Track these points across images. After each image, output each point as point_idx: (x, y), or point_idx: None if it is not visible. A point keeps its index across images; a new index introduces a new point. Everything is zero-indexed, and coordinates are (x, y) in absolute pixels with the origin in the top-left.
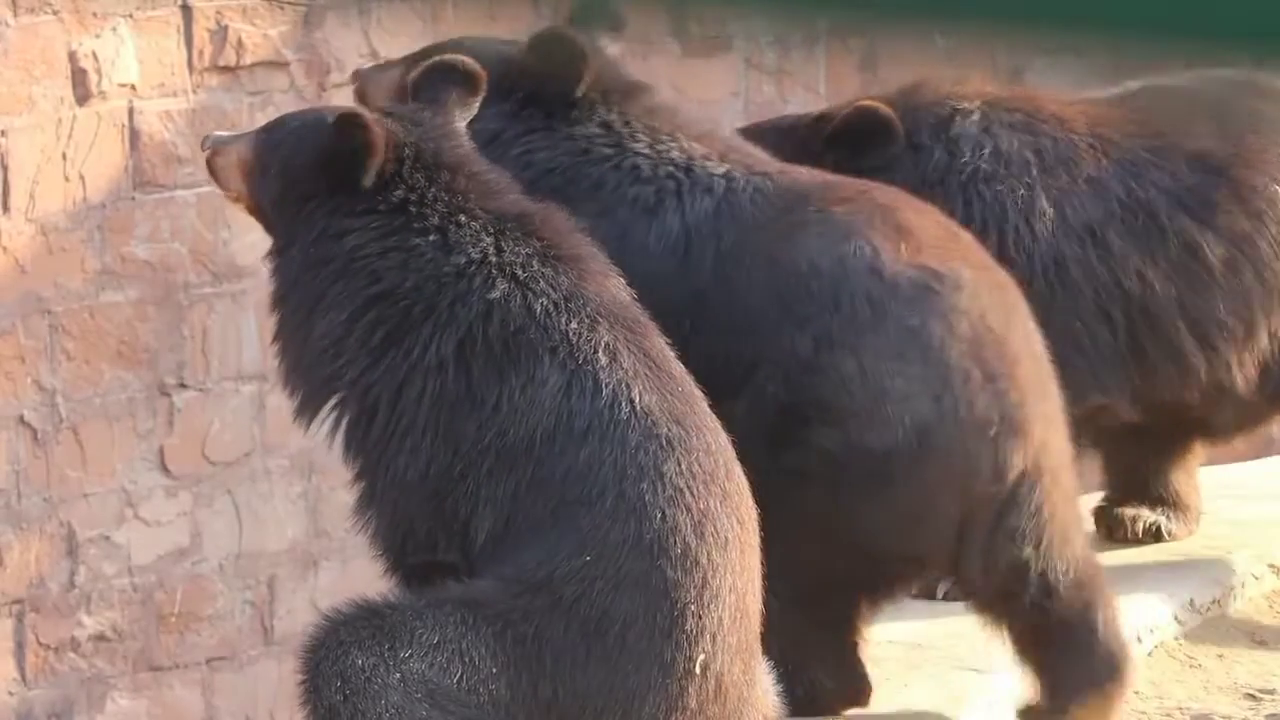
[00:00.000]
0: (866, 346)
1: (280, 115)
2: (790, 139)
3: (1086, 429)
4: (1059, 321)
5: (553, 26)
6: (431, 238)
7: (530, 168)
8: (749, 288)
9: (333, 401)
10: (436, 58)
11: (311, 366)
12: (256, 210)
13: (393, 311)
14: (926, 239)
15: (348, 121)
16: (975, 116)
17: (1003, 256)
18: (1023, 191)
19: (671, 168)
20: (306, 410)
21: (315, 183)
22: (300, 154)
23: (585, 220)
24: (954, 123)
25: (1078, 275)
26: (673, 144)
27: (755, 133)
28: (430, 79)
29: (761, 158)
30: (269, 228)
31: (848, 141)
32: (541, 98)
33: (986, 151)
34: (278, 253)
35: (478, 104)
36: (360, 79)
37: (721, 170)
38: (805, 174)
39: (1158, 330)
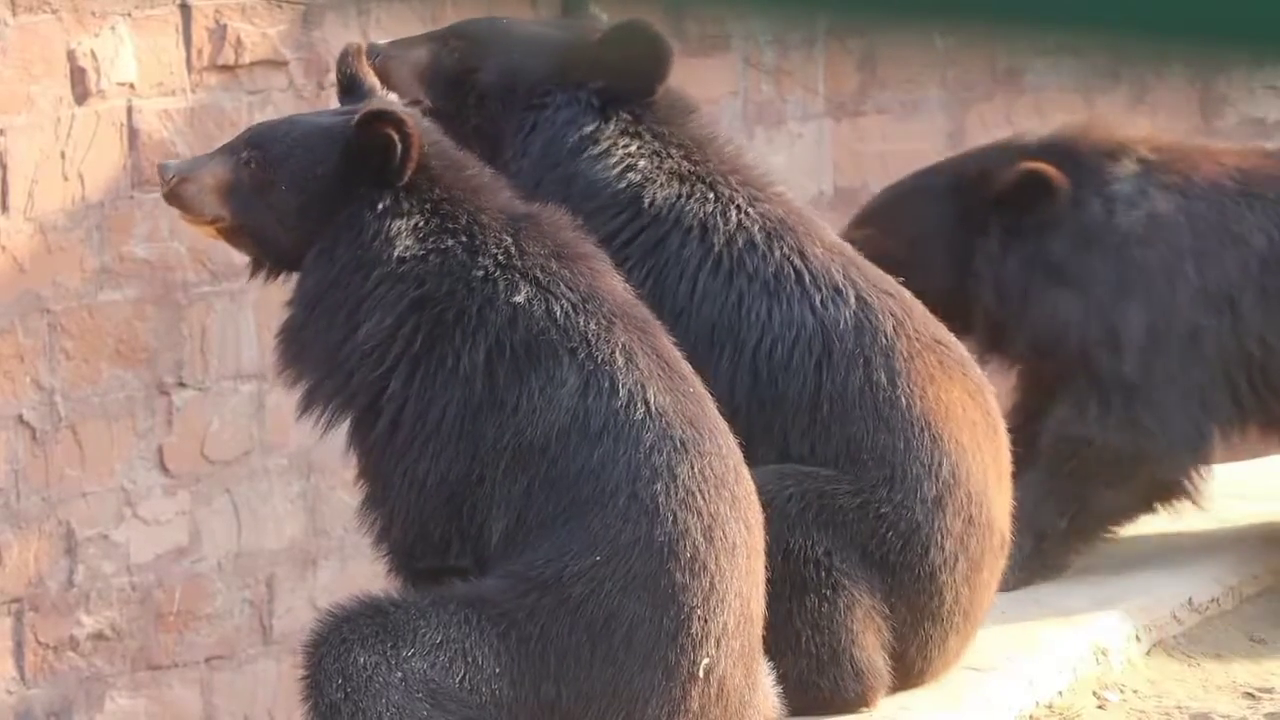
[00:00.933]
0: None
1: (255, 132)
2: (953, 201)
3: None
4: (1187, 382)
5: (633, 19)
6: (462, 238)
7: (631, 171)
8: (888, 435)
9: (364, 405)
10: (345, 47)
11: (352, 370)
12: (239, 230)
13: (430, 316)
14: (991, 456)
15: (376, 118)
16: (1132, 176)
17: (1149, 324)
18: (1171, 259)
19: (785, 248)
20: (327, 410)
21: (345, 187)
22: (319, 164)
23: (686, 252)
24: (1113, 179)
25: (1211, 348)
26: (764, 205)
27: (910, 194)
28: (352, 68)
29: (827, 237)
30: (259, 245)
31: (1014, 202)
32: (617, 94)
33: (1141, 213)
34: (316, 253)
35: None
36: (381, 57)
37: (839, 266)
38: (892, 292)
39: (1274, 388)
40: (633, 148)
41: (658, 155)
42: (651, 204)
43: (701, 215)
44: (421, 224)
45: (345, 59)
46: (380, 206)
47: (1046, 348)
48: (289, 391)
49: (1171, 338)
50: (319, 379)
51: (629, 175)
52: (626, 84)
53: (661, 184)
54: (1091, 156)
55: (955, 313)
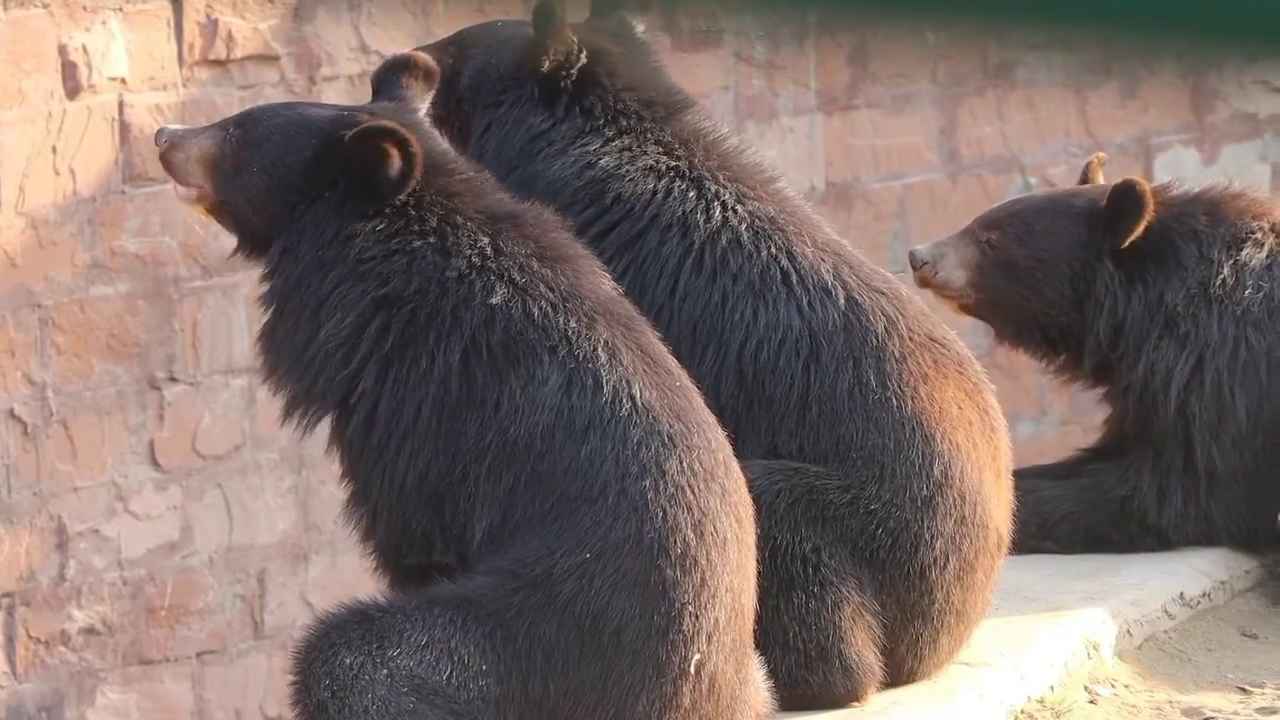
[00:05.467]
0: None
1: (248, 111)
2: (1086, 227)
3: None
4: (1269, 481)
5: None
6: (431, 240)
7: (590, 168)
8: (878, 435)
9: (336, 405)
10: (397, 55)
11: (319, 370)
12: (220, 206)
13: (398, 316)
14: (988, 455)
15: (378, 134)
16: (1264, 250)
17: (1251, 412)
18: (1278, 352)
19: (772, 247)
20: (305, 413)
21: (312, 185)
22: (291, 154)
23: (665, 249)
24: (1245, 247)
25: None
26: (754, 203)
27: (1047, 210)
28: (392, 74)
29: (820, 235)
30: (237, 225)
31: (1109, 214)
32: (555, 84)
33: (1261, 295)
34: (280, 251)
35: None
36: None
37: (829, 266)
38: (885, 291)
39: None
40: (593, 145)
41: (628, 151)
42: (619, 199)
43: (681, 212)
44: (383, 226)
45: (391, 66)
46: (344, 208)
47: (1149, 398)
48: (274, 398)
49: (1255, 433)
50: (291, 382)
51: (588, 172)
52: (545, 68)
53: (632, 179)
54: (1235, 217)
55: (1068, 335)
